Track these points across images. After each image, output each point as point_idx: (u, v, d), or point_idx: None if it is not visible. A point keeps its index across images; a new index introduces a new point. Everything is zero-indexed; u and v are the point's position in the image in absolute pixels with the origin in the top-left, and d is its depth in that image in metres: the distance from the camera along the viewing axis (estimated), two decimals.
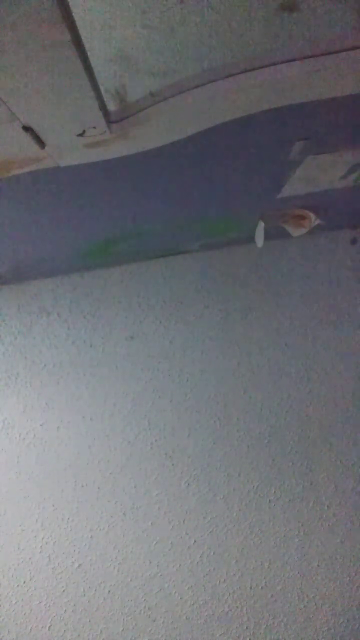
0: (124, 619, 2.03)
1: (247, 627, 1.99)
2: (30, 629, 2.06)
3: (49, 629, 2.05)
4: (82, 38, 0.65)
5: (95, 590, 2.03)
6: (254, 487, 2.00)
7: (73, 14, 0.60)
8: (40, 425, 2.05)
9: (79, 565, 2.04)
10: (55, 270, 2.00)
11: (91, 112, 0.79)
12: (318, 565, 1.98)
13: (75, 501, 2.04)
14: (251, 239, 1.79)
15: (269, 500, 1.99)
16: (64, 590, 2.04)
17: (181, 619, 2.01)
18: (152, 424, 2.02)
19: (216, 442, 2.01)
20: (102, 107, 0.80)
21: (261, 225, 1.68)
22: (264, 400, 2.00)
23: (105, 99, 0.81)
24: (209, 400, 2.01)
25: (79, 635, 2.04)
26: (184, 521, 2.01)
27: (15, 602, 2.06)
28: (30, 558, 2.05)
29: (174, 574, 2.01)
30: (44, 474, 2.05)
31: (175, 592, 2.01)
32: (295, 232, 1.72)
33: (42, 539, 2.05)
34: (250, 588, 2.00)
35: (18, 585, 2.06)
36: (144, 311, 2.04)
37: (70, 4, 0.58)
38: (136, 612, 2.02)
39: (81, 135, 0.85)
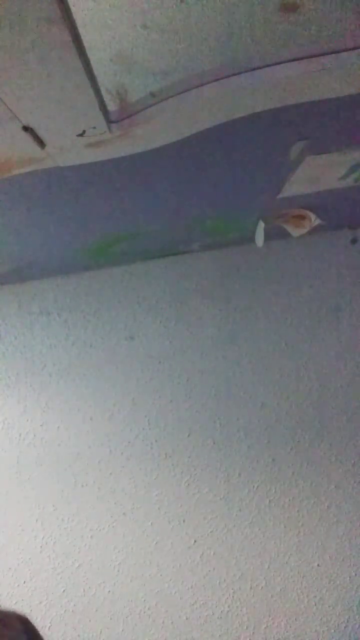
0: (124, 619, 2.02)
1: (247, 627, 1.99)
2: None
3: (49, 629, 2.04)
4: (82, 38, 0.65)
5: (95, 590, 2.03)
6: (254, 487, 2.00)
7: (73, 14, 0.60)
8: (40, 425, 2.05)
9: (79, 565, 2.04)
10: (55, 270, 2.00)
11: (91, 112, 0.79)
12: (318, 565, 1.98)
13: (75, 501, 2.04)
14: (251, 239, 1.79)
15: (269, 500, 1.99)
16: (64, 590, 2.04)
17: (181, 619, 2.01)
18: (152, 424, 2.02)
19: (216, 442, 2.01)
20: (102, 107, 0.80)
21: (261, 225, 1.68)
22: (264, 400, 2.00)
23: (105, 99, 0.81)
24: (209, 400, 2.01)
25: (79, 635, 2.04)
26: (184, 521, 2.01)
27: (15, 602, 2.06)
28: (30, 558, 2.05)
29: (174, 574, 2.01)
30: (44, 474, 2.05)
31: (175, 592, 2.01)
32: (295, 232, 1.72)
33: (42, 539, 2.05)
34: (250, 588, 1.99)
35: (18, 585, 2.06)
36: (144, 311, 2.04)
37: (70, 4, 0.58)
38: (136, 612, 2.02)
39: (81, 135, 0.85)
